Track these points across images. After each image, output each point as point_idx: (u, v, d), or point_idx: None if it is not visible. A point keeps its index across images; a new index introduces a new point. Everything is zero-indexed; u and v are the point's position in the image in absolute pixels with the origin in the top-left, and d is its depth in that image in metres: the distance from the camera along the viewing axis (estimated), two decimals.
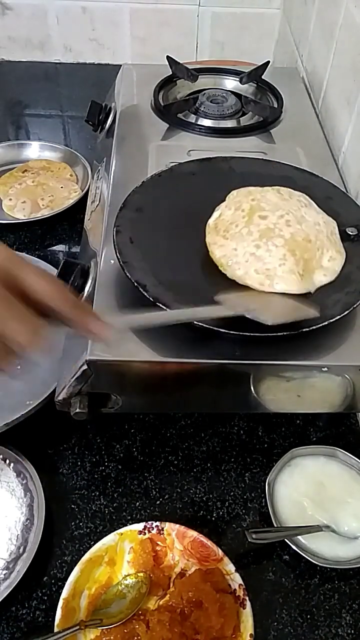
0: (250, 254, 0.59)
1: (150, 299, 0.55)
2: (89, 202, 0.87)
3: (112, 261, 0.62)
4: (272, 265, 0.58)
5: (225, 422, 0.73)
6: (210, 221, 0.64)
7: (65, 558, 0.61)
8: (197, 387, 0.62)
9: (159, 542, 0.60)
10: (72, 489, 0.66)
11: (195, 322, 0.54)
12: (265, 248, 0.59)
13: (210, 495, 0.66)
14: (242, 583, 0.57)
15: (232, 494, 0.67)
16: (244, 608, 0.55)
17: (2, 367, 0.40)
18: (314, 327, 0.55)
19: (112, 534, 0.60)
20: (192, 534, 0.60)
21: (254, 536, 0.59)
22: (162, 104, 0.90)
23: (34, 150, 1.12)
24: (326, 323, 0.55)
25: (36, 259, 0.87)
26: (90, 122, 0.94)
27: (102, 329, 0.42)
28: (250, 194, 0.64)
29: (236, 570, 0.57)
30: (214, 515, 0.65)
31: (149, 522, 0.61)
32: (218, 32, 1.36)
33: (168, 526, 0.60)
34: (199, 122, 0.89)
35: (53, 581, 0.59)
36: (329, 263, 0.61)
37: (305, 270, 0.59)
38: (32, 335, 0.38)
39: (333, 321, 0.56)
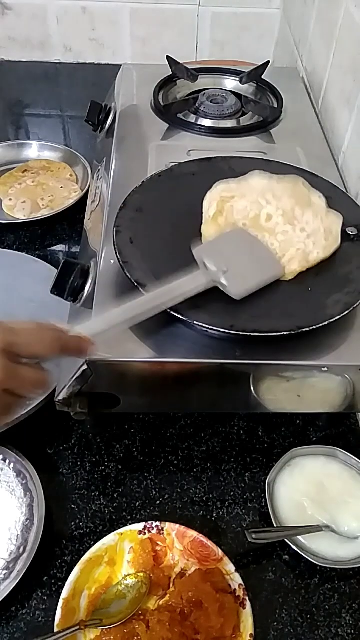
0: None
1: None
2: (89, 202, 0.87)
3: (112, 261, 0.62)
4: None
5: (225, 422, 0.73)
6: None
7: (65, 558, 0.61)
8: (197, 387, 0.62)
9: (159, 542, 0.60)
10: (72, 489, 0.66)
11: (195, 322, 0.54)
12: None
13: (210, 495, 0.66)
14: (242, 583, 0.57)
15: (232, 494, 0.67)
16: (244, 608, 0.55)
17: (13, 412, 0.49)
18: (314, 327, 0.55)
19: (112, 534, 0.60)
20: (192, 534, 0.60)
21: (254, 536, 0.59)
22: (162, 104, 0.90)
23: (34, 150, 1.12)
24: (326, 323, 0.55)
25: (36, 259, 0.87)
26: (90, 122, 0.94)
27: (87, 349, 0.49)
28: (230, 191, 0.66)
29: (236, 570, 0.57)
30: (214, 515, 0.65)
31: (149, 522, 0.61)
32: (218, 32, 1.36)
33: (168, 526, 0.60)
34: (199, 122, 0.89)
35: (53, 581, 0.59)
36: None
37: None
38: (39, 385, 0.47)
39: (333, 321, 0.56)
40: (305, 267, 0.60)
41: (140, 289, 0.56)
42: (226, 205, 0.62)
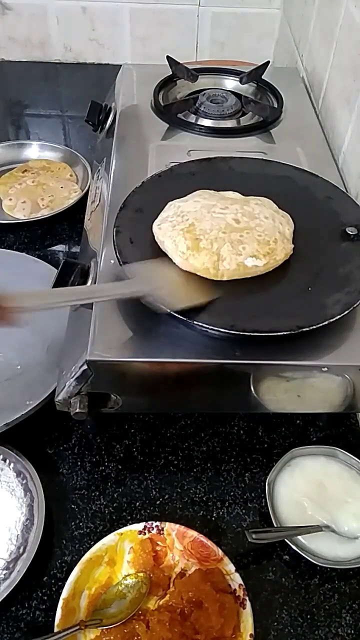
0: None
1: None
2: (89, 202, 0.87)
3: (112, 261, 0.62)
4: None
5: (225, 422, 0.73)
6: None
7: (65, 558, 0.61)
8: (197, 387, 0.62)
9: (159, 542, 0.60)
10: (72, 489, 0.66)
11: (195, 322, 0.54)
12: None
13: (210, 495, 0.66)
14: (242, 583, 0.57)
15: (232, 494, 0.67)
16: (244, 608, 0.55)
17: None
18: (314, 327, 0.55)
19: (112, 534, 0.60)
20: (192, 534, 0.60)
21: (254, 536, 0.59)
22: (162, 104, 0.90)
23: (34, 150, 1.12)
24: (326, 323, 0.55)
25: (36, 259, 0.87)
26: (90, 122, 0.94)
27: (6, 315, 0.49)
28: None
29: (236, 570, 0.57)
30: (214, 515, 0.65)
31: (149, 522, 0.61)
32: (218, 32, 1.36)
33: (168, 526, 0.60)
34: (199, 122, 0.89)
35: (53, 581, 0.59)
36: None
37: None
38: None
39: (333, 321, 0.56)
40: (291, 241, 0.62)
41: None
42: (193, 233, 0.61)
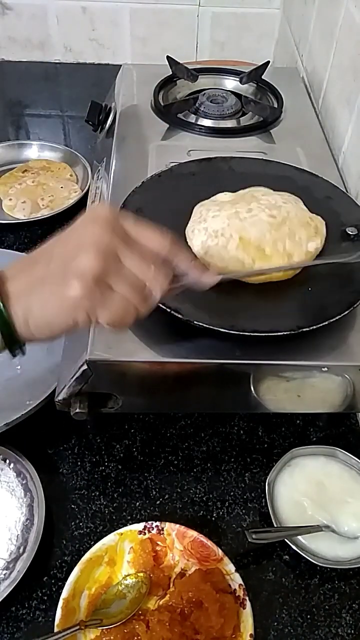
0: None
1: None
2: (89, 202, 0.87)
3: None
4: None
5: (225, 422, 0.73)
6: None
7: (65, 558, 0.61)
8: (197, 387, 0.62)
9: (159, 542, 0.60)
10: (72, 489, 0.66)
11: (195, 322, 0.54)
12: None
13: (210, 495, 0.66)
14: (242, 583, 0.57)
15: (232, 494, 0.67)
16: (244, 608, 0.55)
17: (142, 310, 0.45)
18: (314, 327, 0.55)
19: (112, 534, 0.60)
20: (192, 534, 0.60)
21: (254, 536, 0.59)
22: (162, 104, 0.90)
23: (34, 150, 1.12)
24: (326, 323, 0.55)
25: None
26: (90, 122, 0.94)
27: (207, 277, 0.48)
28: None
29: (236, 570, 0.57)
30: (214, 515, 0.65)
31: (149, 522, 0.61)
32: (218, 32, 1.36)
33: (168, 526, 0.60)
34: (199, 122, 0.89)
35: (53, 581, 0.59)
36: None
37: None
38: (166, 279, 0.44)
39: (333, 321, 0.56)
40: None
41: None
42: (251, 244, 0.59)
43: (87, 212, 0.46)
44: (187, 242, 0.62)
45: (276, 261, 0.59)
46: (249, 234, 0.59)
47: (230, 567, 0.58)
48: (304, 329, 0.55)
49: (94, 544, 0.59)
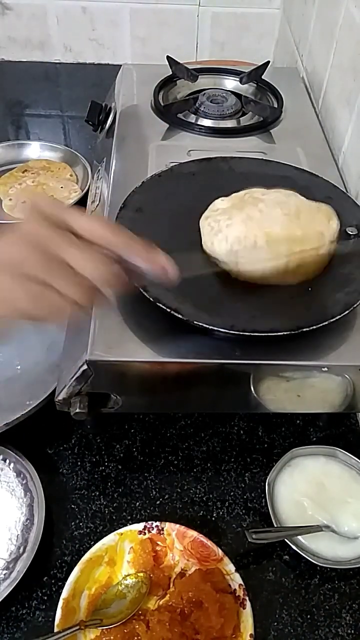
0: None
1: (151, 299, 0.55)
2: (89, 202, 0.87)
3: None
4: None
5: (225, 422, 0.73)
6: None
7: (65, 558, 0.61)
8: (197, 387, 0.62)
9: (159, 542, 0.60)
10: (72, 489, 0.66)
11: (195, 322, 0.54)
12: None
13: (210, 495, 0.66)
14: (242, 583, 0.57)
15: (232, 494, 0.67)
16: (244, 608, 0.55)
17: (85, 302, 0.43)
18: (314, 327, 0.55)
19: (112, 534, 0.60)
20: (192, 534, 0.60)
21: (254, 536, 0.59)
22: (162, 104, 0.90)
23: (34, 150, 1.12)
24: (326, 323, 0.55)
25: None
26: (90, 122, 0.94)
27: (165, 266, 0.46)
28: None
29: (236, 570, 0.57)
30: (214, 515, 0.65)
31: (149, 522, 0.61)
32: (218, 32, 1.36)
33: (168, 526, 0.60)
34: (199, 122, 0.88)
35: (53, 581, 0.59)
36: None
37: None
38: (109, 270, 0.43)
39: (333, 321, 0.56)
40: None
41: (142, 290, 0.56)
42: (279, 240, 0.59)
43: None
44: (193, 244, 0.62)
45: (312, 241, 0.58)
46: (273, 230, 0.58)
47: (230, 567, 0.58)
48: (304, 329, 0.55)
49: (94, 544, 0.59)
